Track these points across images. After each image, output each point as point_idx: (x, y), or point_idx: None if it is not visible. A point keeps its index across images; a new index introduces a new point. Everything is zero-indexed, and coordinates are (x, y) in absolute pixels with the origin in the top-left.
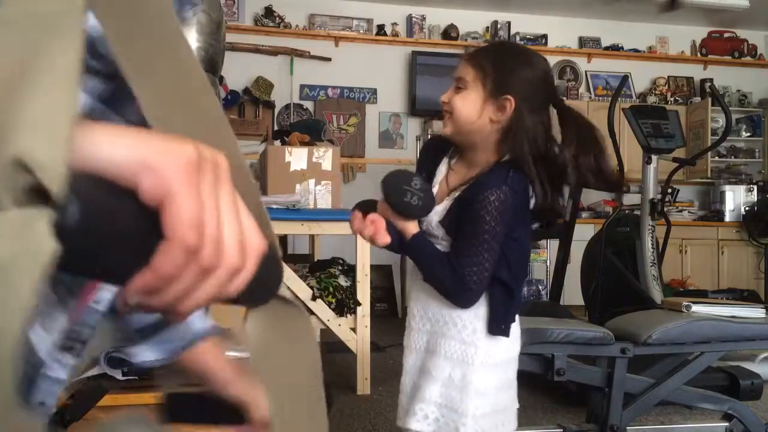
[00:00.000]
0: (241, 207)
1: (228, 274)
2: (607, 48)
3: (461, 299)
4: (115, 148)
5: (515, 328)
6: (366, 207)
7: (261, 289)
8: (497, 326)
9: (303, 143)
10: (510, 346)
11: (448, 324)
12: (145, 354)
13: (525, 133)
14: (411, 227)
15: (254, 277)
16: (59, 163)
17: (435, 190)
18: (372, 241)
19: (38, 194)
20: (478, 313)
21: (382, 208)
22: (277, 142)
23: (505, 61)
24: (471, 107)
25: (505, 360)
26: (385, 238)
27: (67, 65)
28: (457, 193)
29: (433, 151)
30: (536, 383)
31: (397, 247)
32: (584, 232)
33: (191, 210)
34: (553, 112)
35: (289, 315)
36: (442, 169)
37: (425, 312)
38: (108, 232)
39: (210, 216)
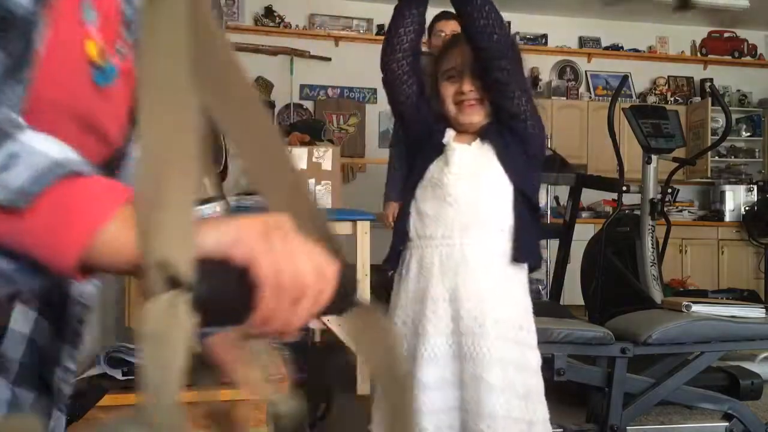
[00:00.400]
0: (311, 245)
1: (313, 296)
2: (607, 48)
3: (491, 18)
4: (216, 237)
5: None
6: None
7: (342, 300)
8: (525, 251)
9: (303, 143)
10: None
11: (485, 324)
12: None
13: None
14: None
15: (335, 292)
16: (188, 260)
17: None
18: None
19: (178, 282)
20: (515, 293)
21: None
22: None
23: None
24: None
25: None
26: None
27: (186, 191)
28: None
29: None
30: None
31: None
32: (584, 232)
33: (269, 261)
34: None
35: (370, 315)
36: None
37: (452, 312)
38: (225, 294)
39: (285, 261)
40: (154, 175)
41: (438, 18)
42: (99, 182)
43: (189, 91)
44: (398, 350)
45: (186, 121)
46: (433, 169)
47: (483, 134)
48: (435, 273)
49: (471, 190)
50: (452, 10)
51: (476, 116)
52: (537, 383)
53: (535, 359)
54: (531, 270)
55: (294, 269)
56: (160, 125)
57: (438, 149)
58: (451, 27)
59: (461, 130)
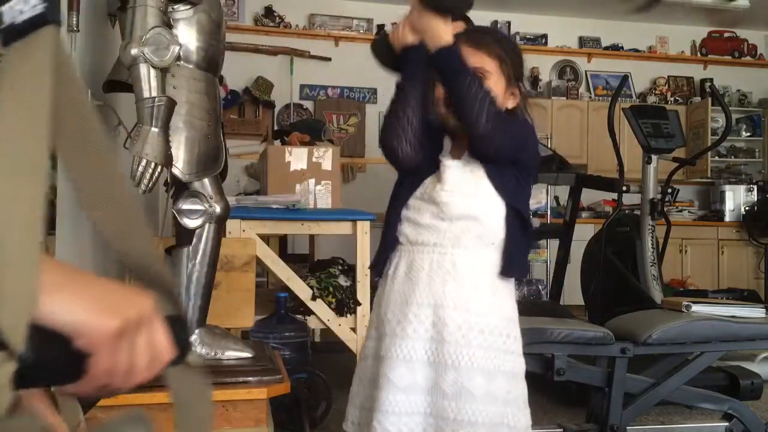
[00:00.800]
0: (155, 334)
1: (141, 378)
2: (607, 48)
3: (491, 121)
4: (62, 311)
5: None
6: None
7: (175, 361)
8: (514, 266)
9: (303, 143)
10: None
11: (469, 334)
12: None
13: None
14: (446, 33)
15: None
16: (20, 327)
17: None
18: (395, 38)
19: (5, 347)
20: (502, 305)
21: (414, 14)
22: (277, 142)
23: (514, 52)
24: (498, 97)
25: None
26: (407, 37)
27: (28, 246)
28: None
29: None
30: (536, 383)
31: (418, 61)
32: (584, 232)
33: (105, 365)
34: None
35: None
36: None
37: (425, 316)
38: (54, 364)
39: (124, 361)
40: None
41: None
42: None
43: (42, 150)
44: (209, 409)
45: (33, 178)
46: (428, 183)
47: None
48: (422, 278)
49: (464, 207)
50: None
51: None
52: (521, 390)
53: (519, 366)
54: (517, 279)
55: (129, 365)
56: (3, 182)
57: (434, 165)
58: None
59: (455, 137)
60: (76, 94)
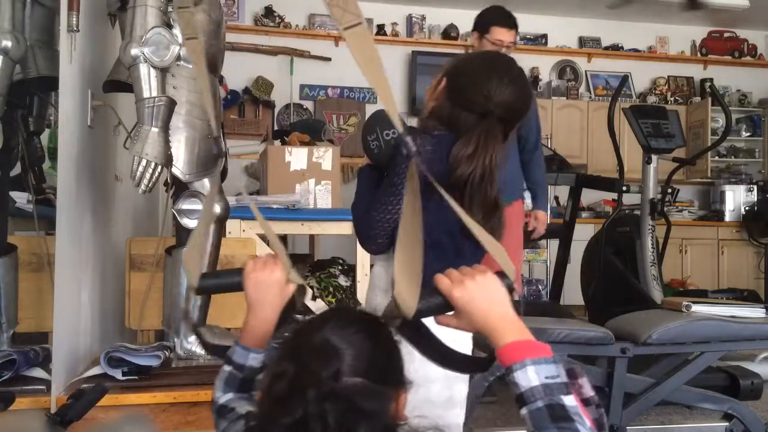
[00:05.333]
0: None
1: None
2: (607, 48)
3: (364, 241)
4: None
5: None
6: None
7: None
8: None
9: (303, 143)
10: None
11: None
12: None
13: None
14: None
15: None
16: None
17: None
18: None
19: None
20: None
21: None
22: (277, 142)
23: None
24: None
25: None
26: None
27: None
28: None
29: None
30: None
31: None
32: (584, 232)
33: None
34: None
35: None
36: None
37: None
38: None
39: None
40: None
41: (496, 22)
42: None
43: None
44: None
45: None
46: None
47: None
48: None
49: None
50: (510, 11)
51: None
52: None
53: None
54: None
55: None
56: None
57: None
58: (511, 38)
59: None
60: None
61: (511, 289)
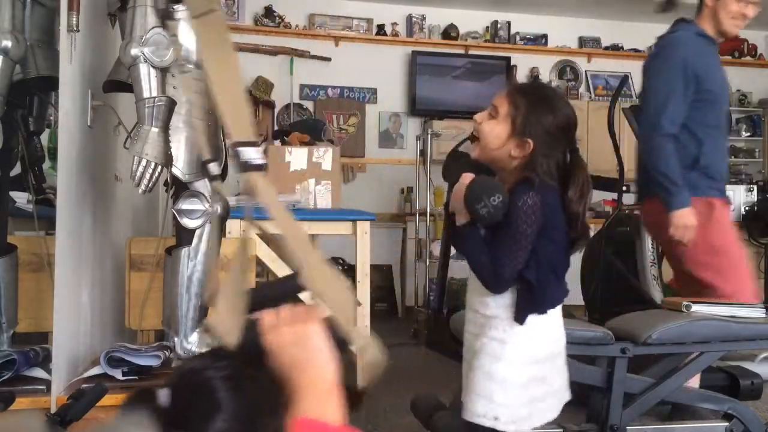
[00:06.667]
0: None
1: None
2: (607, 48)
3: (494, 285)
4: None
5: (545, 326)
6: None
7: None
8: (517, 315)
9: (303, 143)
10: (539, 345)
11: (484, 327)
12: None
13: (538, 169)
14: (464, 217)
15: None
16: None
17: None
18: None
19: None
20: (508, 314)
21: (455, 195)
22: (277, 142)
23: (535, 106)
24: (496, 138)
25: (535, 358)
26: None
27: None
28: None
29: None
30: None
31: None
32: None
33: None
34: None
35: None
36: None
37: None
38: None
39: None
40: None
41: None
42: None
43: None
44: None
45: None
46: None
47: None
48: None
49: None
50: None
51: (474, 151)
52: None
53: None
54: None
55: None
56: None
57: None
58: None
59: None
60: None
61: (342, 345)
